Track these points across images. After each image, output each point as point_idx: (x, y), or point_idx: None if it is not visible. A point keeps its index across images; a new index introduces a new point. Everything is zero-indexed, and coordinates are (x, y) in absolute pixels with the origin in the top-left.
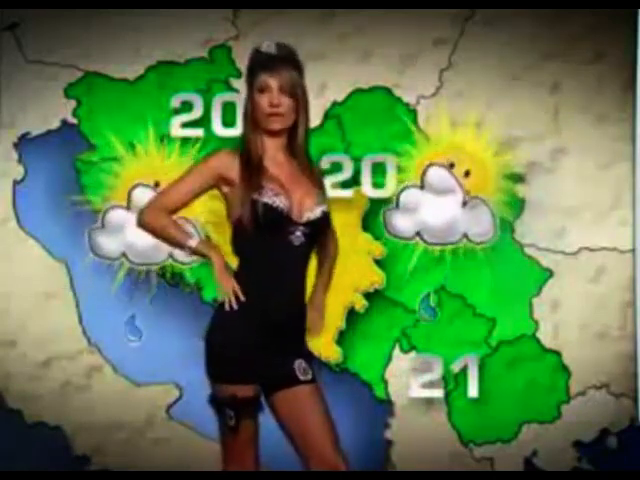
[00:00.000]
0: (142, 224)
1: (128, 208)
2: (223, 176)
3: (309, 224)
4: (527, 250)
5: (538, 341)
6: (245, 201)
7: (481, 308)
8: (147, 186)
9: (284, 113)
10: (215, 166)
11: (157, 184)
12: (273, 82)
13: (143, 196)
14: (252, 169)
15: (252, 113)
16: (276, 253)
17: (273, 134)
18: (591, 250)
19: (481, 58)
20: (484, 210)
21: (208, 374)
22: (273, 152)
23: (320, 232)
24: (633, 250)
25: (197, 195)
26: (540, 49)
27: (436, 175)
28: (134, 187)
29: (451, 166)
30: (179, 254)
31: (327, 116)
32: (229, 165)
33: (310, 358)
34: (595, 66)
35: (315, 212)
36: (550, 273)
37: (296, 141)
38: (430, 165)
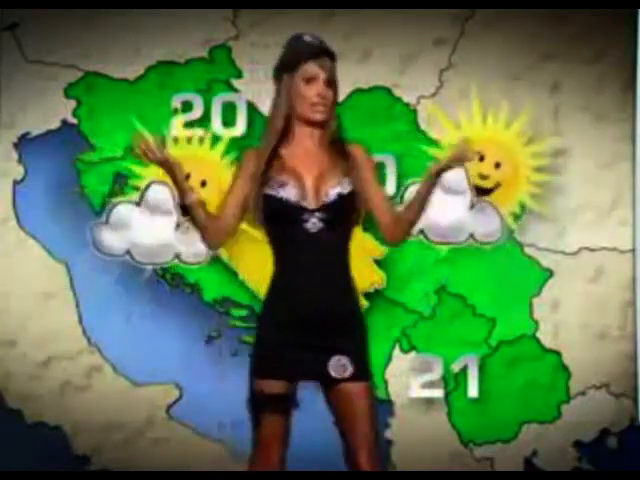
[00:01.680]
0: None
1: (138, 204)
2: (256, 175)
3: (324, 209)
4: (527, 250)
5: (538, 341)
6: (254, 195)
7: (481, 308)
8: (162, 184)
9: (328, 104)
10: (246, 167)
11: (204, 183)
12: (321, 73)
13: (156, 194)
14: (261, 163)
15: (293, 102)
16: (294, 243)
17: (311, 124)
18: (591, 250)
19: (481, 58)
20: (491, 212)
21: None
22: (305, 141)
23: (340, 215)
24: (633, 250)
25: (246, 202)
26: (540, 49)
27: (451, 174)
28: (149, 184)
29: (481, 159)
30: (185, 255)
31: None
32: (256, 163)
33: (352, 353)
34: (595, 66)
35: (329, 196)
36: (550, 273)
37: (328, 131)
38: None
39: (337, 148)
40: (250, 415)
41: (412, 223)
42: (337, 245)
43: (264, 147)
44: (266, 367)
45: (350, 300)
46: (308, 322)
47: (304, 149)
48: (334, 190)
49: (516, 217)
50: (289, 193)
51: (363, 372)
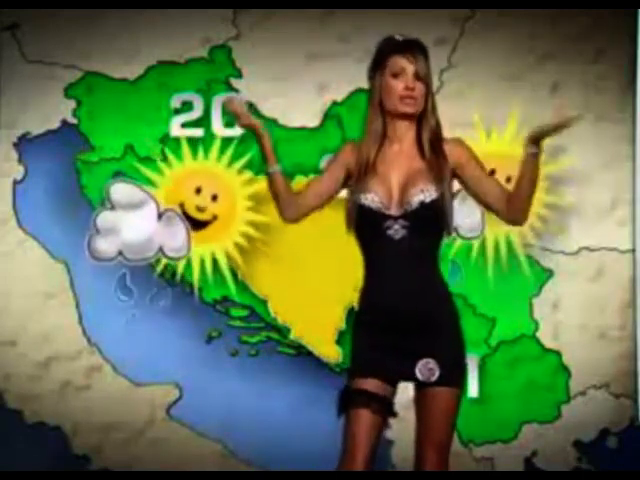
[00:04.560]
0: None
1: (112, 208)
2: (351, 171)
3: (407, 216)
4: (527, 250)
5: (538, 341)
6: (346, 199)
7: (481, 308)
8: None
9: (417, 97)
10: (343, 162)
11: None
12: (409, 67)
13: (119, 194)
14: (361, 161)
15: (383, 98)
16: (379, 250)
17: (405, 118)
18: (591, 250)
19: (481, 58)
20: (473, 203)
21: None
22: (400, 141)
23: (423, 223)
24: (633, 250)
25: (334, 192)
26: (540, 49)
27: None
28: (108, 188)
29: (491, 173)
30: (168, 249)
31: (327, 116)
32: (352, 160)
33: (442, 357)
34: (595, 66)
35: (412, 204)
36: (550, 273)
37: (426, 128)
38: None
39: (436, 147)
40: (342, 416)
41: (524, 198)
42: (423, 251)
43: (364, 146)
44: (358, 365)
45: (441, 304)
46: (396, 326)
47: (396, 150)
48: (417, 198)
49: (532, 230)
50: (372, 200)
51: (452, 377)
